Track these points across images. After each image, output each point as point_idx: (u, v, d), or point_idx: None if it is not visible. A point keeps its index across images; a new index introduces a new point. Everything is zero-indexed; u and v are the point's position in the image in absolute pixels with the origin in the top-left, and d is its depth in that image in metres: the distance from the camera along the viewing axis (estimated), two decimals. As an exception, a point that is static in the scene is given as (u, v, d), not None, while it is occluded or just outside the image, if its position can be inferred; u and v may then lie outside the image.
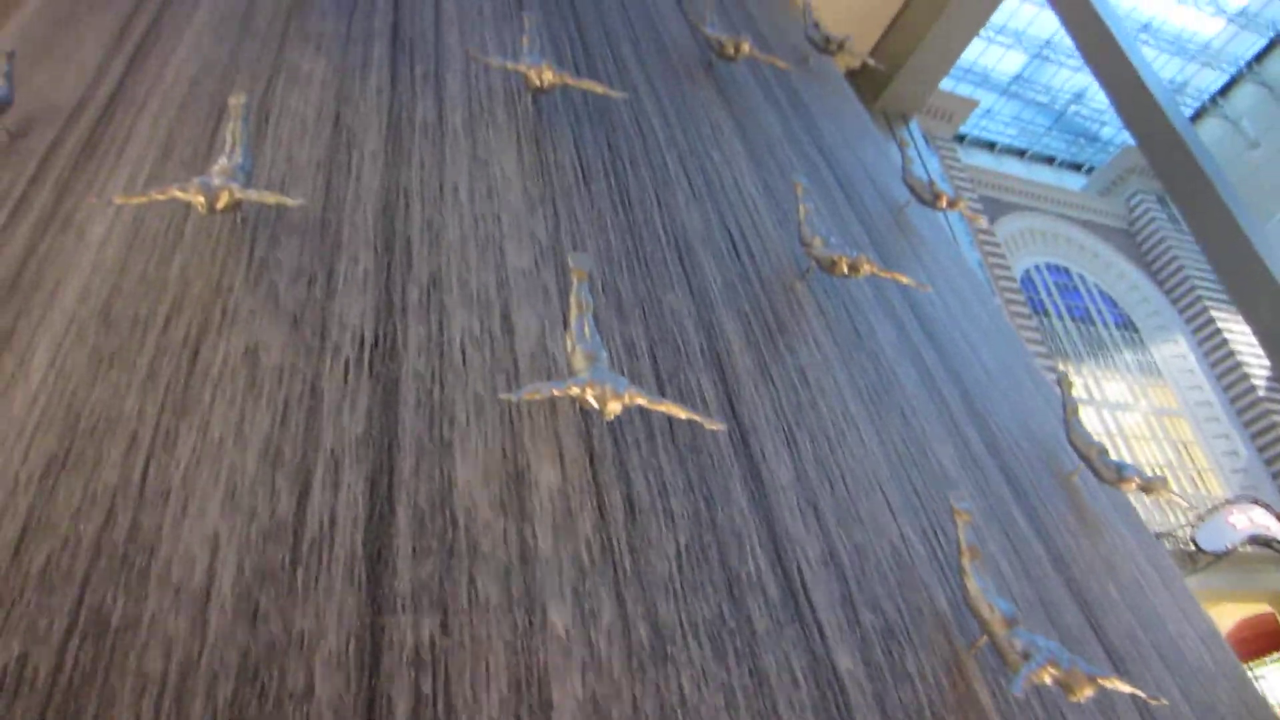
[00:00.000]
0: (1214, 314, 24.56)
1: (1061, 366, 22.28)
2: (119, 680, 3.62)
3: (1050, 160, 28.20)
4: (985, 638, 4.74)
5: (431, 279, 5.52)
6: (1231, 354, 24.23)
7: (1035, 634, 4.56)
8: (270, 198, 5.31)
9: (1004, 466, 6.83)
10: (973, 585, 4.83)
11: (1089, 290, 25.14)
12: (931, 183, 9.03)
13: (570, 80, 6.83)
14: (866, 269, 6.51)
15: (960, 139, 24.88)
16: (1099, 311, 24.73)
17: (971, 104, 23.27)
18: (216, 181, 5.24)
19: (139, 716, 3.51)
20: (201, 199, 5.17)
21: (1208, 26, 26.82)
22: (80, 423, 4.62)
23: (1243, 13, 27.07)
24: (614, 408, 4.51)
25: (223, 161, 5.50)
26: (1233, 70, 27.89)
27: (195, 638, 3.74)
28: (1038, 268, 24.29)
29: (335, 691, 3.66)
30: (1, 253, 5.83)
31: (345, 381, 4.84)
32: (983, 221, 21.46)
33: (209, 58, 7.31)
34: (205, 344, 4.99)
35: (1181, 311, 25.00)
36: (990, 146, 26.71)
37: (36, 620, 3.80)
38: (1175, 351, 24.69)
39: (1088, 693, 4.31)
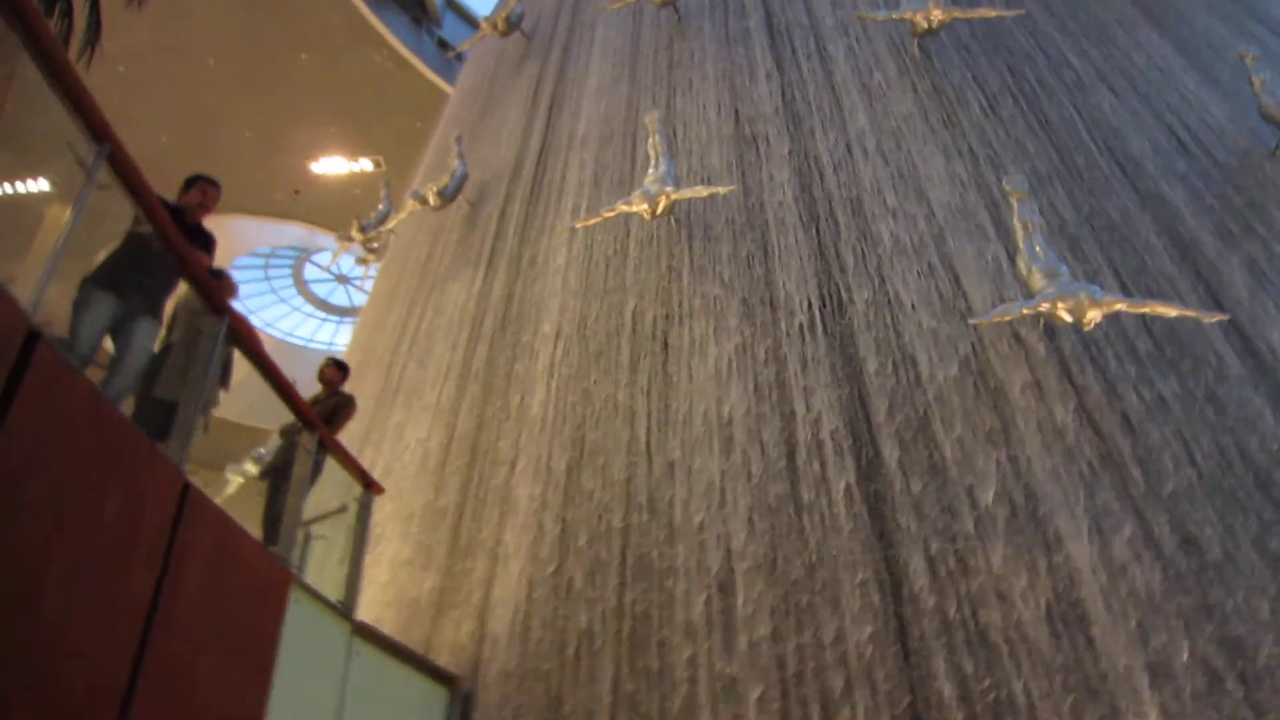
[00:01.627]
0: None
1: None
2: (668, 616, 4.08)
3: None
4: None
5: (860, 235, 5.56)
6: None
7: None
8: (703, 191, 5.72)
9: None
10: None
11: None
12: None
13: (959, 13, 6.55)
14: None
15: None
16: None
17: None
18: (654, 189, 5.78)
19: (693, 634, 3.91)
20: (645, 206, 5.73)
21: None
22: (585, 418, 5.31)
23: None
24: (1093, 315, 4.17)
25: (651, 173, 6.05)
26: None
27: (725, 587, 4.09)
28: None
29: (866, 626, 3.78)
30: (491, 293, 6.94)
31: (803, 342, 5.02)
32: None
33: (611, 97, 8.08)
34: (671, 333, 5.48)
35: None
36: None
37: (594, 569, 4.42)
38: None
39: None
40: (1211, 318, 4.34)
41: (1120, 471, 4.08)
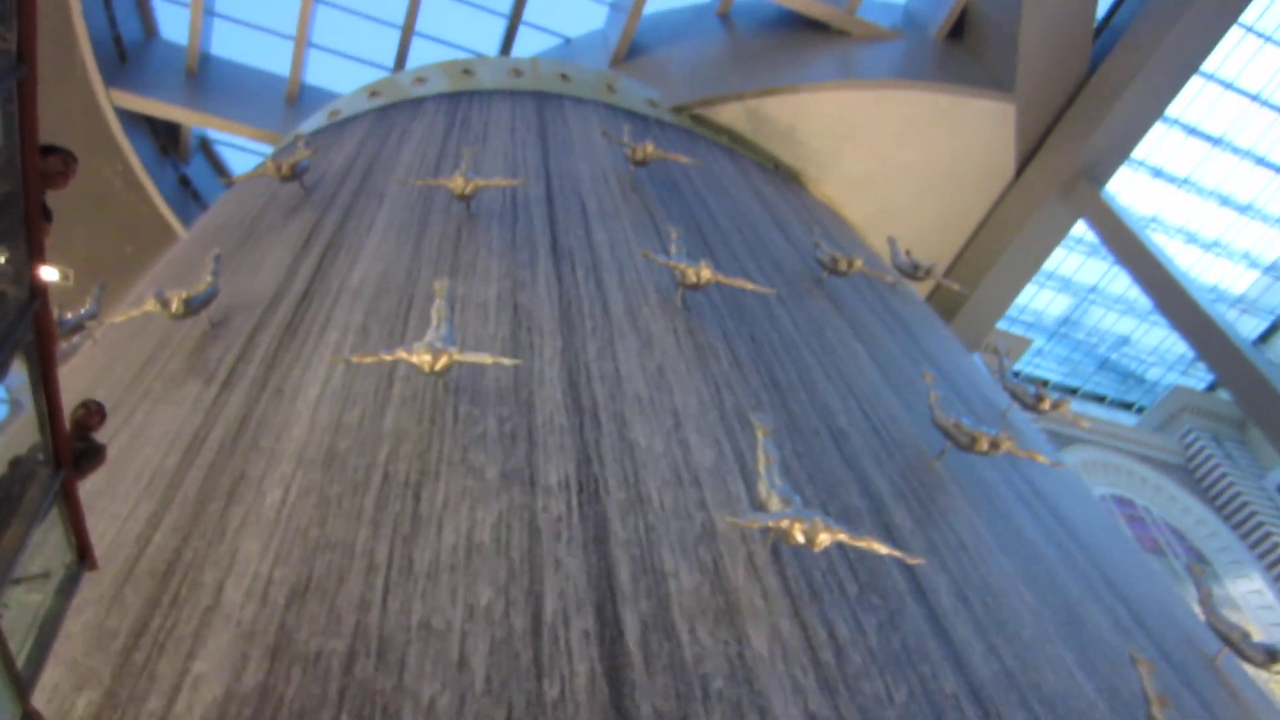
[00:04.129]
0: (1285, 547, 24.01)
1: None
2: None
3: (1101, 399, 28.94)
4: None
5: (619, 438, 5.95)
6: (1312, 592, 23.39)
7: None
8: (488, 359, 5.90)
9: (1155, 640, 6.80)
10: None
11: (1154, 523, 24.84)
12: (1038, 389, 9.51)
13: (724, 279, 7.60)
14: (1007, 445, 6.85)
15: (1015, 375, 25.57)
16: (1168, 543, 24.27)
17: (1026, 342, 24.37)
18: (438, 345, 5.88)
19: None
20: (427, 358, 5.78)
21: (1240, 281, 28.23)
22: (316, 553, 4.95)
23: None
24: (824, 538, 4.77)
25: (431, 334, 6.16)
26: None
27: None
28: (1103, 498, 24.19)
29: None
30: (222, 413, 6.41)
31: (559, 520, 5.15)
32: (1086, 424, 21.95)
33: (391, 260, 8.23)
34: (425, 488, 5.38)
35: (1253, 548, 24.44)
36: (1044, 384, 27.50)
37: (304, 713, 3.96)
38: (1251, 588, 23.88)
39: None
40: (913, 560, 5.09)
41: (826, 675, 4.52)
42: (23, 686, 2.83)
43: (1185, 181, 21.86)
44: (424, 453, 5.64)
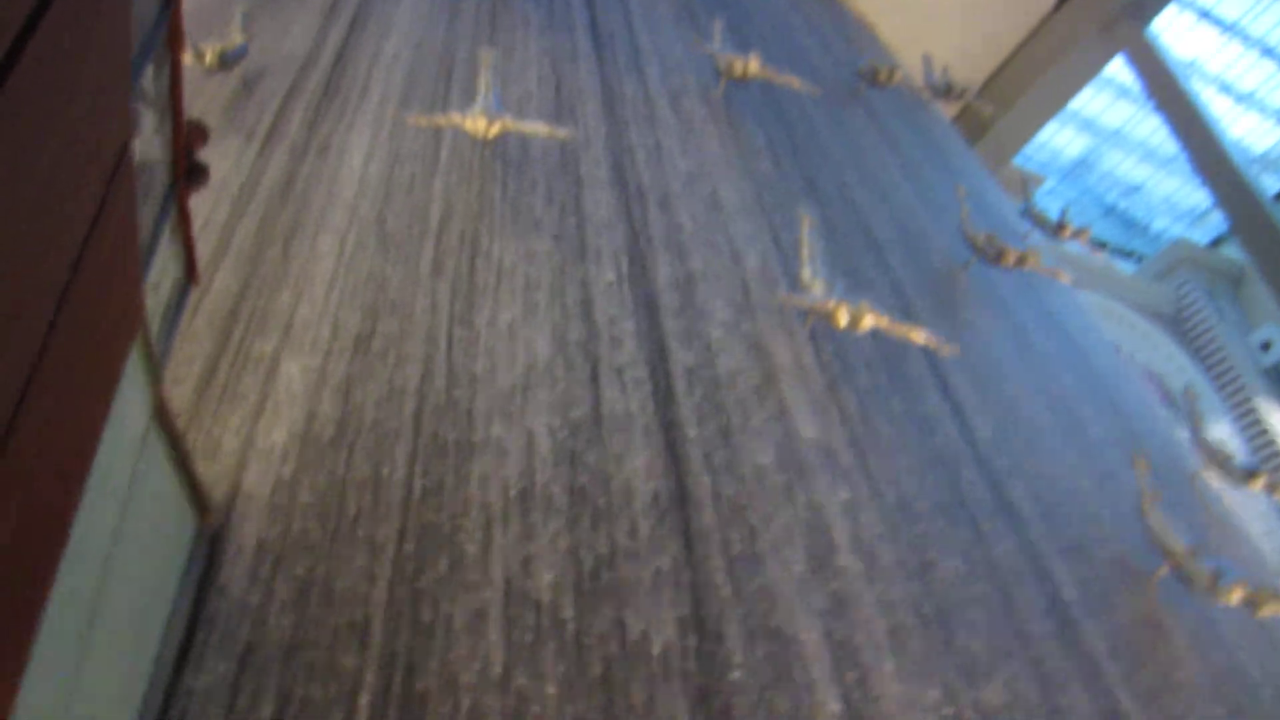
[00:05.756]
0: (1257, 403, 24.96)
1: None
2: (461, 489, 4.06)
3: (1103, 245, 29.10)
4: (1167, 567, 5.13)
5: (666, 216, 6.06)
6: (1272, 442, 24.55)
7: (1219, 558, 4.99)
8: (543, 129, 5.90)
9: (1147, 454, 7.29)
10: (1156, 521, 5.24)
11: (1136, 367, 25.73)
12: (1062, 214, 9.59)
13: (771, 73, 7.47)
14: (1032, 261, 7.02)
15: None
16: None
17: (1039, 179, 24.18)
18: (493, 112, 5.84)
19: (488, 520, 3.94)
20: (482, 123, 5.76)
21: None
22: (378, 303, 5.13)
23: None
24: (869, 321, 5.00)
25: (481, 101, 6.11)
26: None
27: (526, 469, 4.19)
28: (1090, 344, 24.88)
29: (650, 525, 4.08)
30: (267, 169, 6.42)
31: (609, 289, 5.33)
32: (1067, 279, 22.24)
33: (426, 32, 7.99)
34: (480, 246, 5.51)
35: (1228, 398, 25.41)
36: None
37: (379, 442, 4.26)
38: (1220, 435, 25.06)
39: (1276, 609, 4.71)
40: (946, 350, 5.36)
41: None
42: (159, 373, 3.04)
43: (1232, 27, 21.02)
44: (476, 216, 5.72)
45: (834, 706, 3.60)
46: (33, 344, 1.75)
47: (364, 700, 3.27)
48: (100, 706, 2.81)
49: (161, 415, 3.15)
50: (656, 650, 3.58)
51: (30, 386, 1.72)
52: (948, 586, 4.47)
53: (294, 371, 4.68)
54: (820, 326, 5.43)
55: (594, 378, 4.70)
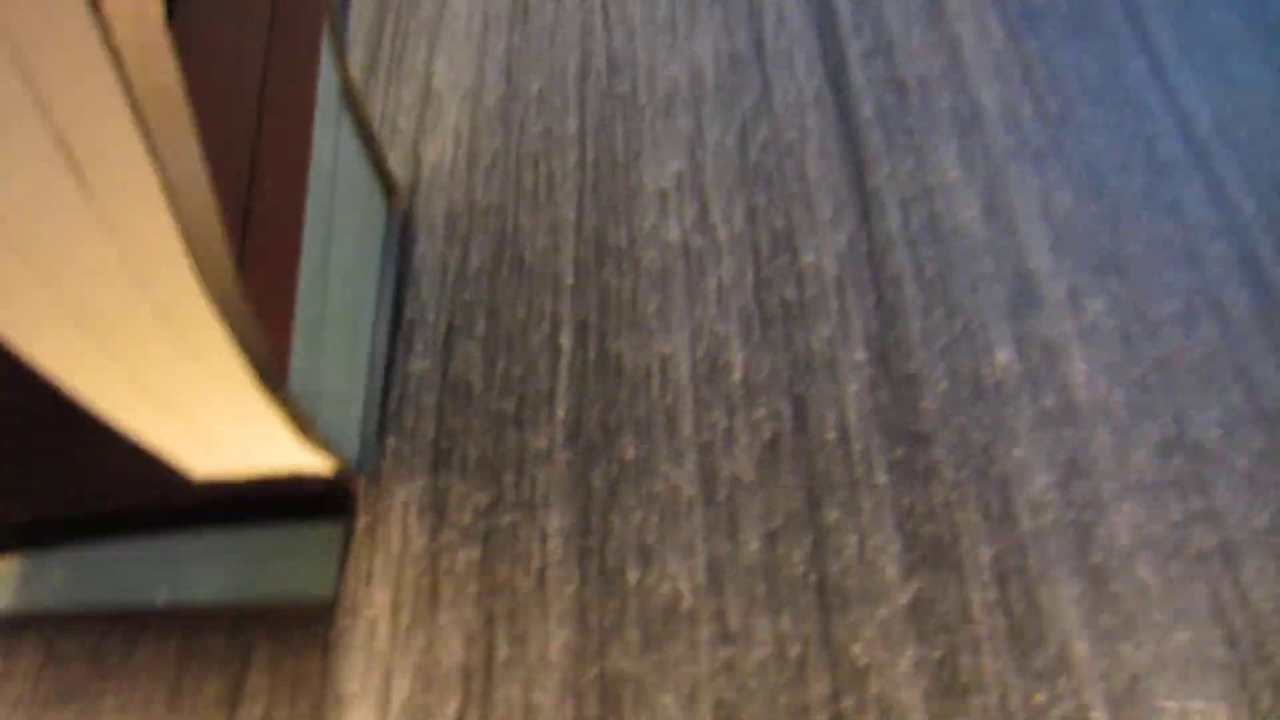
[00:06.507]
0: None
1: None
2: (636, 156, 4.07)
3: None
4: None
5: None
6: None
7: None
8: None
9: None
10: None
11: None
12: None
13: None
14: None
15: None
16: None
17: None
18: None
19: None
20: None
21: None
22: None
23: None
24: None
25: None
26: None
27: (694, 156, 4.13)
28: None
29: (829, 207, 4.01)
30: None
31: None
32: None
33: None
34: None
35: None
36: None
37: (548, 91, 4.25)
38: None
39: None
40: None
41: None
42: (344, 52, 3.05)
43: None
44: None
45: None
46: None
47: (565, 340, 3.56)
48: (338, 371, 3.17)
49: (350, 95, 3.20)
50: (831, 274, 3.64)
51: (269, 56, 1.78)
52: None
53: (458, 33, 4.64)
54: None
55: (759, 55, 4.43)
